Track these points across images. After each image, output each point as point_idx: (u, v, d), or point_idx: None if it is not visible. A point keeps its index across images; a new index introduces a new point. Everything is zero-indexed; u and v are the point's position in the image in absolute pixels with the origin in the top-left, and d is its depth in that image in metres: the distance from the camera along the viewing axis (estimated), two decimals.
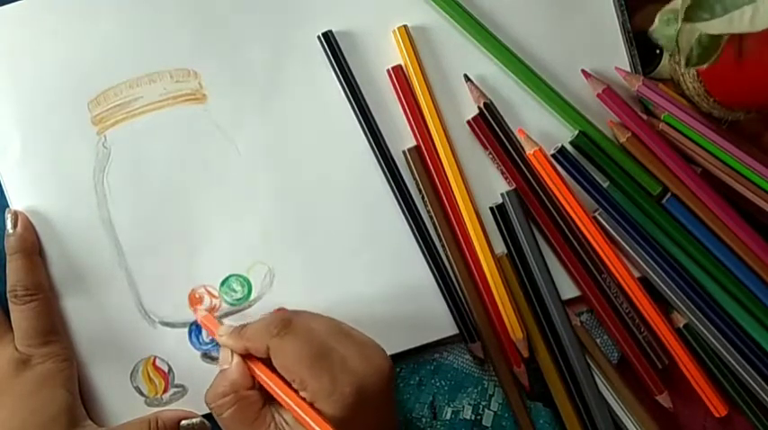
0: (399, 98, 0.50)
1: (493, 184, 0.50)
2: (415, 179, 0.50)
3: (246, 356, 0.45)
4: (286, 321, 0.44)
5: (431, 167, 0.49)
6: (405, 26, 0.49)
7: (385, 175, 0.50)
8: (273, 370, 0.43)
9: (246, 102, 0.50)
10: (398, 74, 0.49)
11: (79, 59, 0.49)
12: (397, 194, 0.50)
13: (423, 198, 0.50)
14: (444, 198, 0.50)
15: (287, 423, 0.42)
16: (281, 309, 0.48)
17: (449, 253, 0.50)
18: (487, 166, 0.50)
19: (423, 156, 0.49)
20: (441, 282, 0.50)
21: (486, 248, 0.49)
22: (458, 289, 0.50)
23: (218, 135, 0.50)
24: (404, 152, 0.50)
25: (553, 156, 0.49)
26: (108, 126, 0.50)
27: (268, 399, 0.44)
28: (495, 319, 0.50)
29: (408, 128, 0.50)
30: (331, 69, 0.49)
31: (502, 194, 0.50)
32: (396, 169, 0.50)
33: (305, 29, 0.50)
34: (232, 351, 0.45)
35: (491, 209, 0.50)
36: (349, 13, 0.50)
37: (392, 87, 0.50)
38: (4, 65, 0.49)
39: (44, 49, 0.49)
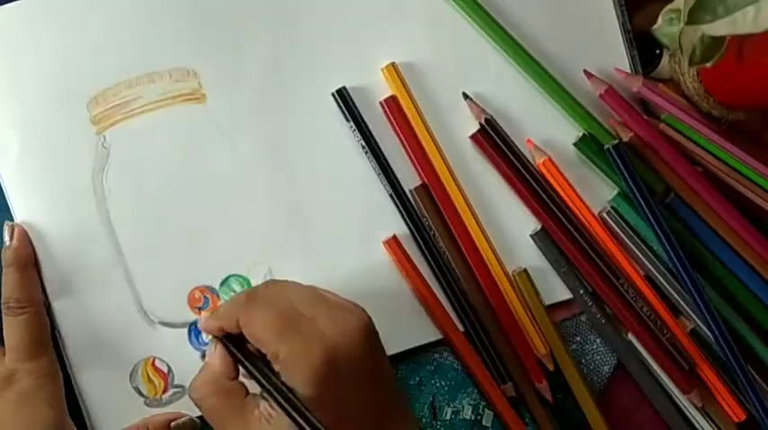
0: (396, 132, 0.50)
1: (500, 197, 0.50)
2: (424, 216, 0.50)
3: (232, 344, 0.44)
4: (253, 292, 0.43)
5: (438, 198, 0.50)
6: (392, 63, 0.49)
7: (399, 212, 0.50)
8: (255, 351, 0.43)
9: (246, 101, 0.50)
10: (392, 106, 0.49)
11: (78, 59, 0.49)
12: (412, 228, 0.50)
13: (434, 235, 0.50)
14: (455, 229, 0.50)
15: (271, 409, 0.41)
16: None
17: (465, 286, 0.50)
18: (494, 181, 0.50)
19: (428, 190, 0.49)
20: (464, 318, 0.50)
21: (501, 275, 0.50)
22: (478, 323, 0.50)
23: (218, 135, 0.50)
24: (410, 191, 0.50)
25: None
26: (107, 126, 0.50)
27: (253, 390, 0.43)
28: (514, 338, 0.50)
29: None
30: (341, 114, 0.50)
31: (532, 237, 0.50)
32: (409, 205, 0.50)
33: (305, 28, 0.50)
34: (215, 345, 0.44)
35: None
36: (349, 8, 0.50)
37: (387, 119, 0.50)
38: (4, 65, 0.49)
39: (43, 49, 0.49)
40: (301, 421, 0.39)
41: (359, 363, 0.41)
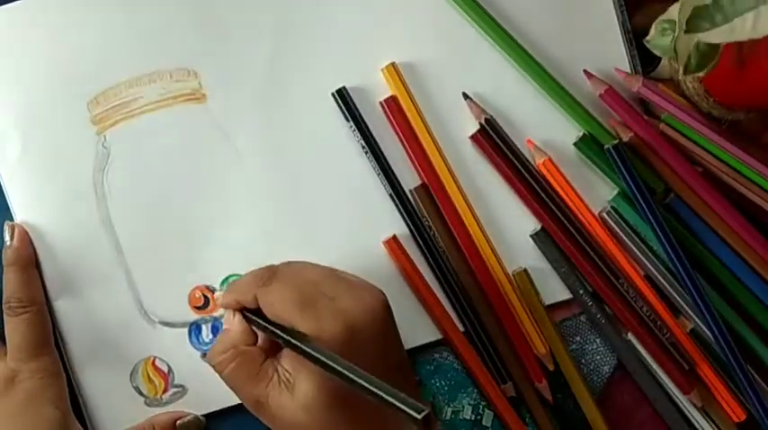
0: (396, 132, 0.50)
1: (500, 197, 0.50)
2: (424, 216, 0.50)
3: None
4: (272, 270, 0.44)
5: (438, 198, 0.50)
6: (392, 63, 0.49)
7: (399, 212, 0.50)
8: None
9: (246, 101, 0.50)
10: (392, 106, 0.49)
11: (79, 59, 0.49)
12: (412, 228, 0.50)
13: (434, 235, 0.50)
14: (455, 229, 0.50)
15: (289, 373, 0.41)
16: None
17: (465, 286, 0.50)
18: (494, 181, 0.50)
19: (428, 190, 0.50)
20: (464, 318, 0.50)
21: (501, 275, 0.50)
22: (479, 325, 0.50)
23: (218, 135, 0.50)
24: (410, 191, 0.50)
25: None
26: (107, 126, 0.50)
27: (270, 354, 0.43)
28: (514, 338, 0.50)
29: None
30: (342, 115, 0.50)
31: (532, 237, 0.50)
32: (409, 205, 0.50)
33: (305, 28, 0.50)
34: (233, 313, 0.44)
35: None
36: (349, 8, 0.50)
37: (387, 119, 0.50)
38: (4, 65, 0.49)
39: (44, 49, 0.49)
40: (338, 367, 0.38)
41: (376, 341, 0.42)
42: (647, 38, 0.42)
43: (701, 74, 0.39)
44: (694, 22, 0.37)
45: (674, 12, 0.39)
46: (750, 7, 0.35)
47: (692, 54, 0.38)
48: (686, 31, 0.37)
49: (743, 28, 0.36)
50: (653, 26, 0.41)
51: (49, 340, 0.48)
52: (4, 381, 0.47)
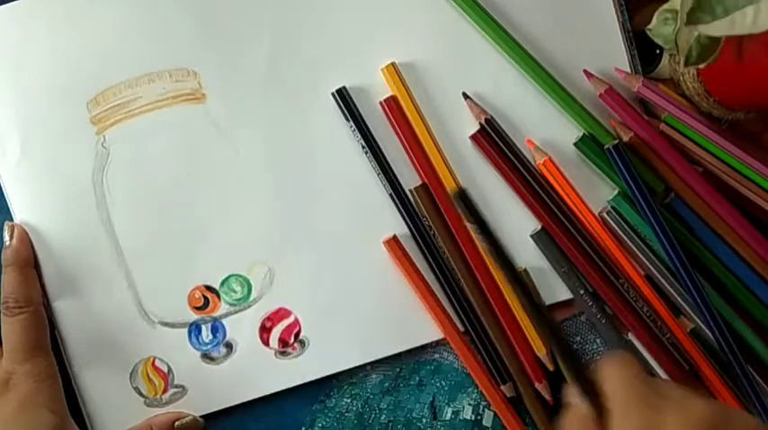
0: (396, 132, 0.50)
1: (500, 197, 0.50)
2: (424, 216, 0.50)
3: None
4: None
5: (438, 198, 0.49)
6: (392, 63, 0.49)
7: (399, 212, 0.50)
8: None
9: (246, 101, 0.50)
10: (391, 106, 0.49)
11: (78, 59, 0.49)
12: (412, 228, 0.50)
13: (434, 235, 0.50)
14: (455, 229, 0.50)
15: None
16: None
17: (465, 286, 0.50)
18: (494, 181, 0.50)
19: (428, 190, 0.49)
20: (464, 318, 0.50)
21: (502, 276, 0.49)
22: (482, 328, 0.50)
23: (218, 135, 0.50)
24: (410, 191, 0.50)
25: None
26: (107, 126, 0.50)
27: None
28: (514, 338, 0.50)
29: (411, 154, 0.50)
30: (343, 116, 0.50)
31: (532, 237, 0.50)
32: (409, 205, 0.50)
33: (305, 28, 0.50)
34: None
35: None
36: (349, 8, 0.50)
37: (387, 119, 0.50)
38: (4, 64, 0.49)
39: (43, 49, 0.49)
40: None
41: None
42: (649, 26, 0.42)
43: (701, 66, 0.39)
44: (695, 14, 0.37)
45: (676, 1, 0.39)
46: (750, 1, 0.35)
47: (692, 47, 0.39)
48: (687, 23, 0.37)
49: (743, 22, 0.36)
50: (654, 15, 0.41)
51: (45, 342, 0.48)
52: (0, 386, 0.46)
